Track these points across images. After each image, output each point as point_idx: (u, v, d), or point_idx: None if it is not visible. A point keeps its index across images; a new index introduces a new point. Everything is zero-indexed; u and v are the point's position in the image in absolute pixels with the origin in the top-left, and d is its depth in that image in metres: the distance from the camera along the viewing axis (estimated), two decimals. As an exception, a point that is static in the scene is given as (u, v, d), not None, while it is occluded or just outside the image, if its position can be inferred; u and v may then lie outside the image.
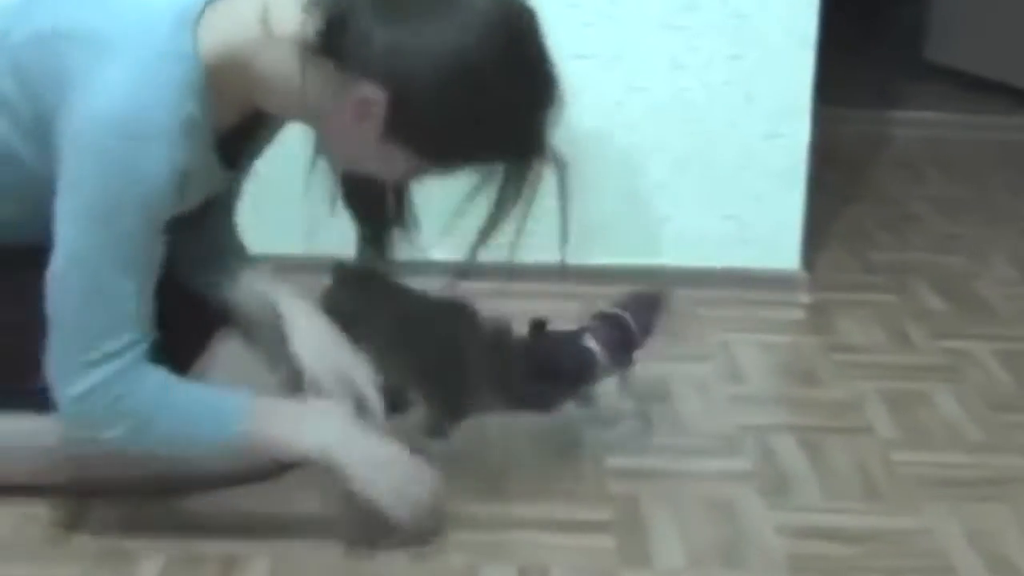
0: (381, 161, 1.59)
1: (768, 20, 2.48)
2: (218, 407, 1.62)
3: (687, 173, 2.57)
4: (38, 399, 1.69)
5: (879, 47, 4.54)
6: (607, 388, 1.96)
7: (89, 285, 1.53)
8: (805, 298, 2.60)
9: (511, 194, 1.68)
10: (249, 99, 1.60)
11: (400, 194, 1.76)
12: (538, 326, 1.92)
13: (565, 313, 2.37)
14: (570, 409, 1.93)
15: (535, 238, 2.63)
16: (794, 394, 2.23)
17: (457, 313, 1.86)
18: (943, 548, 1.74)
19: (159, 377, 1.58)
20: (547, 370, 1.88)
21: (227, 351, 1.84)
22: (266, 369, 1.83)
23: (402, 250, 1.82)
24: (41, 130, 1.56)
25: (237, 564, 1.66)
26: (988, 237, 2.99)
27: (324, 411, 1.69)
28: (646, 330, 1.95)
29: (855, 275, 2.75)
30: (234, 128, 1.63)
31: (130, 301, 1.55)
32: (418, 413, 1.86)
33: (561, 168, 1.69)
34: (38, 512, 1.74)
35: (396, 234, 1.82)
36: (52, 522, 1.73)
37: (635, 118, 2.54)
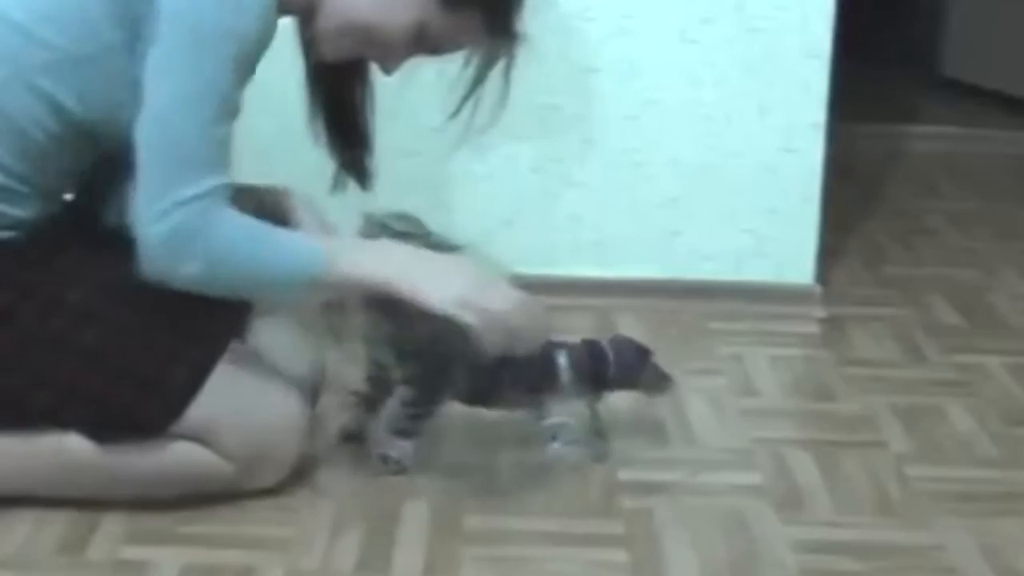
0: (387, 10, 1.68)
1: (783, 35, 2.48)
2: (297, 241, 1.71)
3: (702, 187, 2.57)
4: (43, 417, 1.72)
5: (894, 62, 4.53)
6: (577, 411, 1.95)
7: (176, 133, 1.60)
8: (819, 312, 2.60)
9: (485, 70, 1.77)
10: None
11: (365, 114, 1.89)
12: None
13: (577, 327, 2.38)
14: (518, 416, 1.93)
15: (547, 252, 2.64)
16: (808, 408, 2.23)
17: None
18: (957, 563, 1.73)
19: (238, 216, 1.64)
20: (506, 368, 1.83)
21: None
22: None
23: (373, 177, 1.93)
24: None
25: (251, 575, 1.66)
26: (1002, 251, 2.98)
27: (388, 245, 1.73)
28: (624, 376, 1.93)
29: (869, 289, 2.75)
30: None
31: (214, 147, 1.62)
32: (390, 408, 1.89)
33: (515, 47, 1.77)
34: (52, 523, 1.75)
35: (367, 161, 1.92)
36: (66, 532, 1.73)
37: (650, 132, 2.54)
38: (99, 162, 1.79)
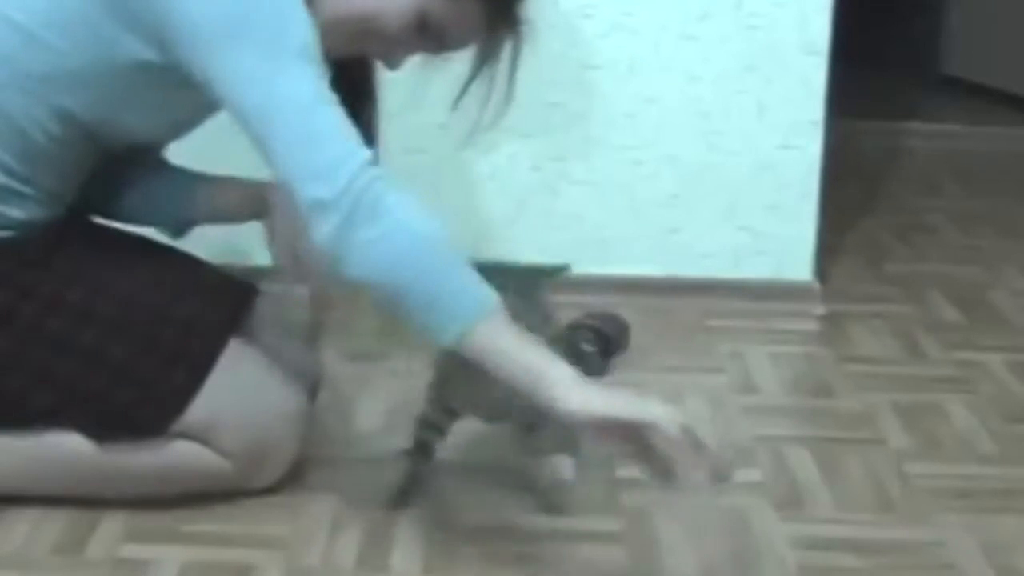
0: (391, 3, 1.66)
1: (782, 31, 2.48)
2: (476, 279, 1.54)
3: (701, 184, 2.57)
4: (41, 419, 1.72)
5: (894, 59, 4.53)
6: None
7: (290, 122, 1.52)
8: (819, 309, 2.60)
9: (491, 65, 1.74)
10: None
11: (364, 114, 1.82)
12: None
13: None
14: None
15: (547, 249, 2.64)
16: (807, 405, 2.23)
17: None
18: (957, 560, 1.73)
19: (406, 196, 1.54)
20: None
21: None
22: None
23: None
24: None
25: (250, 573, 1.66)
26: (1003, 248, 2.98)
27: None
28: (619, 350, 1.95)
29: (869, 286, 2.75)
30: None
31: (337, 120, 1.55)
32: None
33: (520, 38, 1.74)
34: (51, 521, 1.75)
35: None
36: (66, 531, 1.74)
37: (649, 129, 2.54)
38: (104, 163, 1.79)
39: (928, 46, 4.46)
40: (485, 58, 1.74)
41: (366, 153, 1.54)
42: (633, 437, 1.47)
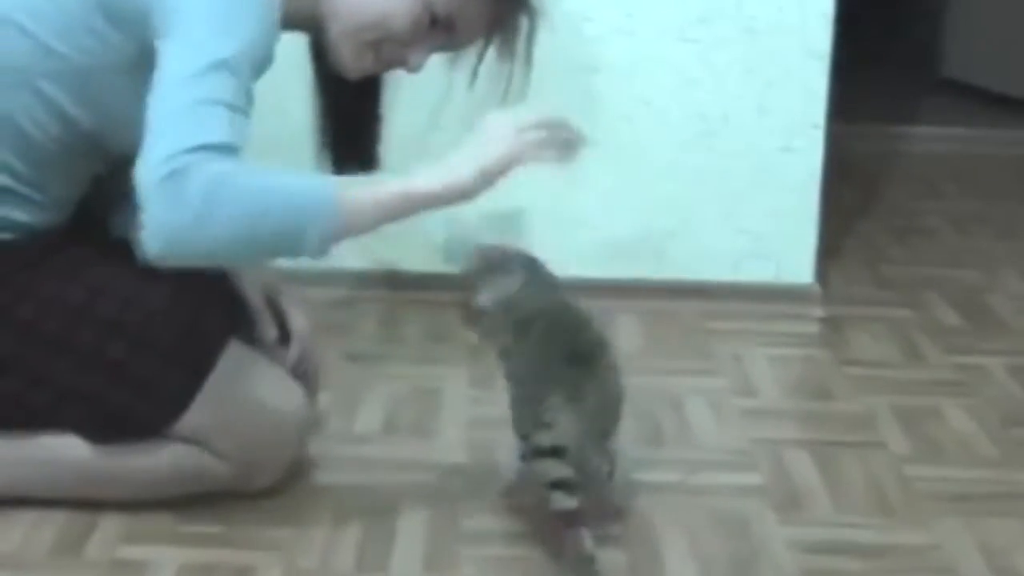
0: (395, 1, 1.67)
1: (782, 35, 2.48)
2: (310, 174, 1.64)
3: (701, 187, 2.57)
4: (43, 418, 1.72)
5: (894, 63, 4.53)
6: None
7: (187, 97, 1.52)
8: (819, 312, 2.60)
9: (508, 54, 1.76)
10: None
11: (372, 134, 1.87)
12: None
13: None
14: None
15: (547, 252, 2.63)
16: (807, 408, 2.23)
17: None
18: (956, 564, 1.73)
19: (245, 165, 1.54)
20: None
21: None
22: None
23: None
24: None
25: (249, 575, 1.66)
26: (1002, 252, 2.98)
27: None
28: None
29: (869, 289, 2.75)
30: None
31: (240, 120, 1.54)
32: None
33: (534, 19, 1.76)
34: (49, 522, 1.75)
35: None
36: (64, 532, 1.73)
37: (649, 132, 2.54)
38: (110, 172, 1.79)
39: (928, 49, 4.46)
40: (501, 42, 1.74)
41: (215, 152, 1.51)
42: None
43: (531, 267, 1.76)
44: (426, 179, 1.60)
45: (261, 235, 1.52)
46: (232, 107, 1.53)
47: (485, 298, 1.69)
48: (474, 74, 1.78)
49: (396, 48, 1.72)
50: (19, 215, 1.70)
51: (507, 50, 1.75)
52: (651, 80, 2.51)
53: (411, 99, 1.89)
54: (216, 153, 1.50)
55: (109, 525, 1.75)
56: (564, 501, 1.61)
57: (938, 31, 4.41)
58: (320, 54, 1.79)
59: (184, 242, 1.50)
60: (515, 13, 1.74)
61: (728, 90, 2.52)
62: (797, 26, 2.48)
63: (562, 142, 1.69)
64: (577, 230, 2.58)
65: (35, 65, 1.64)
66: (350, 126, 1.89)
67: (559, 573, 1.65)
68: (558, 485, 1.61)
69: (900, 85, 4.35)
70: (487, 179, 1.61)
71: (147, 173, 1.49)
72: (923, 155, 3.72)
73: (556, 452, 1.61)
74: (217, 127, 1.52)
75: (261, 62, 1.60)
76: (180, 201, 1.48)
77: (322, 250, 1.54)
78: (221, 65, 1.53)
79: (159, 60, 1.56)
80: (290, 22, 1.71)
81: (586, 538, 1.61)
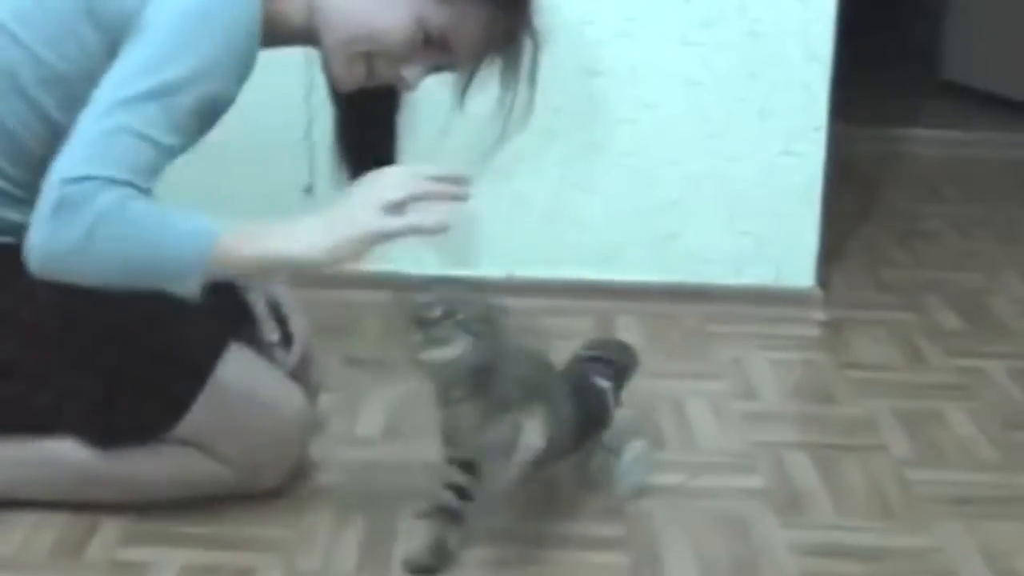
0: (383, 14, 1.65)
1: (784, 38, 2.48)
2: (193, 218, 1.56)
3: (702, 190, 2.57)
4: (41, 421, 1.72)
5: (895, 66, 4.53)
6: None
7: (121, 125, 1.53)
8: (820, 315, 2.60)
9: (512, 73, 1.72)
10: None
11: (390, 142, 1.85)
12: None
13: (579, 330, 2.38)
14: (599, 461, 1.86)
15: (548, 254, 2.64)
16: (808, 411, 2.23)
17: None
18: (957, 567, 1.73)
19: (140, 201, 1.54)
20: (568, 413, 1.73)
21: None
22: None
23: None
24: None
25: (250, 577, 1.66)
26: (1004, 255, 2.98)
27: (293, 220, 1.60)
28: (629, 372, 1.90)
29: (870, 293, 2.75)
30: None
31: (156, 155, 1.55)
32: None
33: (537, 43, 1.73)
34: (50, 524, 1.75)
35: None
36: (65, 534, 1.73)
37: (650, 135, 2.54)
38: None
39: (929, 52, 4.46)
40: (505, 64, 1.72)
41: (130, 179, 1.53)
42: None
43: (474, 330, 1.60)
44: (288, 244, 1.56)
45: (130, 274, 1.55)
46: (150, 141, 1.54)
47: (426, 356, 1.60)
48: (463, 93, 1.75)
49: (389, 64, 1.69)
50: (15, 216, 1.70)
51: (511, 73, 1.72)
52: (653, 83, 2.52)
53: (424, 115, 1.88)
54: (114, 187, 1.52)
55: (110, 527, 1.75)
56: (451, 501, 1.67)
57: (939, 34, 4.41)
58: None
59: (58, 265, 1.54)
60: (515, 33, 1.70)
61: (730, 93, 2.52)
62: (798, 30, 2.48)
63: (449, 199, 1.61)
64: (578, 232, 2.58)
65: (27, 74, 1.65)
66: (366, 142, 1.86)
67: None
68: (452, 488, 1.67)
69: (901, 88, 4.35)
70: (341, 258, 1.55)
71: (47, 190, 1.52)
72: (924, 158, 3.72)
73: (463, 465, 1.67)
74: (125, 161, 1.53)
75: (220, 84, 1.58)
76: (63, 230, 1.51)
77: (189, 293, 1.56)
78: (154, 94, 1.54)
79: (122, 57, 1.58)
80: (285, 37, 1.71)
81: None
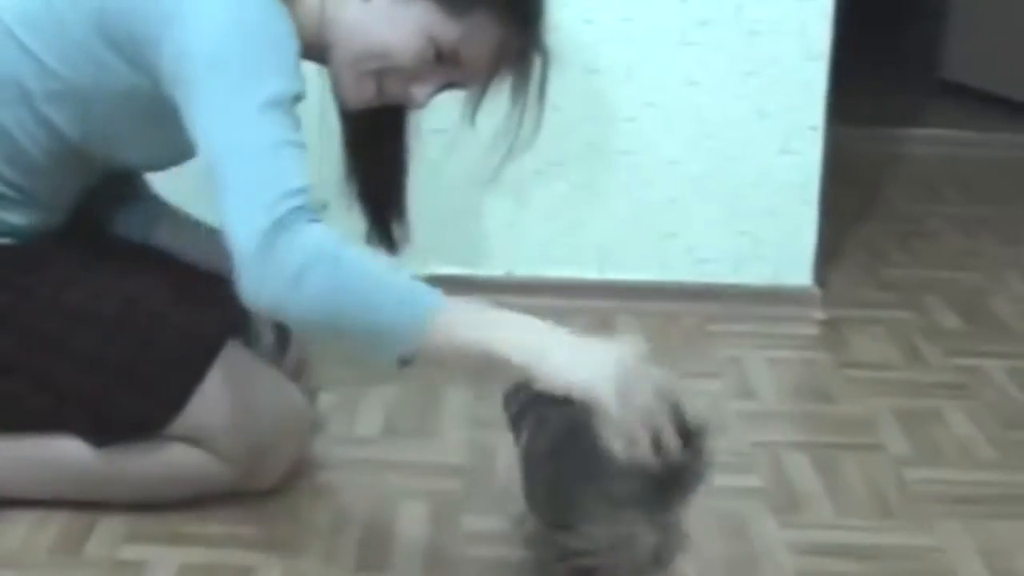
0: (393, 30, 1.62)
1: (782, 37, 2.48)
2: (413, 285, 1.46)
3: (700, 189, 2.57)
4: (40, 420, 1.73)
5: (895, 65, 4.53)
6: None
7: (249, 160, 1.48)
8: (818, 314, 2.60)
9: (521, 90, 1.70)
10: None
11: (399, 177, 1.84)
12: None
13: (575, 329, 2.38)
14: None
15: (547, 254, 2.64)
16: (806, 411, 2.23)
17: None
18: (956, 566, 1.74)
19: (339, 235, 1.48)
20: None
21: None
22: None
23: (405, 243, 1.87)
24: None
25: (249, 575, 1.66)
26: (1003, 254, 2.98)
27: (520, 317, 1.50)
28: None
29: (869, 292, 2.75)
30: None
31: (289, 162, 1.49)
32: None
33: (547, 60, 1.72)
34: (50, 522, 1.75)
35: (399, 227, 1.87)
36: (64, 532, 1.73)
37: (648, 134, 2.54)
38: (107, 177, 1.80)
39: (928, 51, 4.46)
40: (514, 83, 1.69)
41: (304, 199, 1.46)
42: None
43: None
44: (517, 350, 1.44)
45: (338, 328, 1.46)
46: (297, 144, 1.50)
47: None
48: (474, 109, 1.74)
49: (400, 82, 1.67)
50: (14, 218, 1.71)
51: (521, 89, 1.70)
52: (651, 82, 2.52)
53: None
54: (303, 199, 1.46)
55: (110, 525, 1.75)
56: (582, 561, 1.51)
57: (939, 33, 4.41)
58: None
59: (278, 300, 1.45)
60: (526, 50, 1.68)
61: (728, 92, 2.52)
62: (796, 29, 2.48)
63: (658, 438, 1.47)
64: (577, 231, 2.58)
65: (34, 84, 1.64)
66: (375, 175, 1.86)
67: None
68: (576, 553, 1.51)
69: (900, 87, 4.36)
70: (562, 386, 1.44)
71: (244, 231, 1.44)
72: (923, 158, 3.72)
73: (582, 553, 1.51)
74: (294, 169, 1.48)
75: (298, 91, 1.55)
76: (279, 260, 1.43)
77: (393, 360, 1.46)
78: (270, 103, 1.49)
79: (192, 110, 1.51)
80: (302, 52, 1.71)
81: None
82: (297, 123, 1.53)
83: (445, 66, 1.66)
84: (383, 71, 1.66)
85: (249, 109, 1.49)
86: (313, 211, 1.47)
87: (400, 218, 1.89)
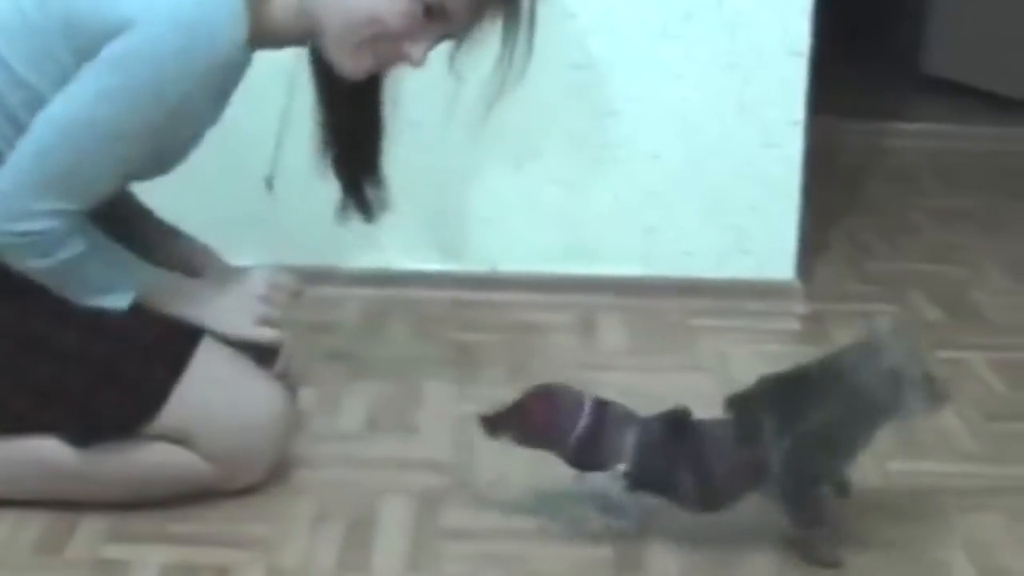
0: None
1: (763, 31, 2.48)
2: (126, 272, 1.74)
3: (683, 183, 2.57)
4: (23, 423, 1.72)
5: (877, 59, 4.54)
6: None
7: (79, 152, 1.63)
8: (801, 308, 2.60)
9: (512, 28, 1.73)
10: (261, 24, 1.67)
11: (376, 139, 1.89)
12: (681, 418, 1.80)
13: (559, 324, 2.38)
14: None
15: (529, 249, 2.64)
16: (790, 404, 2.22)
17: None
18: (940, 558, 1.74)
19: (94, 235, 1.70)
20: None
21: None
22: None
23: (383, 210, 1.94)
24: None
25: (231, 574, 1.65)
26: (985, 247, 2.99)
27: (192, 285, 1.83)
28: None
29: (851, 285, 2.75)
30: None
31: (100, 181, 1.68)
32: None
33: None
34: (31, 522, 1.74)
35: (376, 193, 1.91)
36: (45, 532, 1.73)
37: (631, 128, 2.54)
38: None
39: (910, 45, 4.46)
40: (505, 24, 1.72)
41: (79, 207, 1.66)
42: None
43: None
44: (199, 313, 1.78)
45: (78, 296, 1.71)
46: (106, 177, 1.66)
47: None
48: (455, 55, 1.75)
49: (393, 44, 1.69)
50: None
51: (512, 26, 1.72)
52: (634, 76, 2.51)
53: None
54: (71, 221, 1.65)
55: (92, 525, 1.74)
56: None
57: (921, 28, 4.42)
58: (320, 68, 1.79)
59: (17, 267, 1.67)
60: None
61: (709, 86, 2.52)
62: (778, 23, 2.48)
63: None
64: (560, 226, 2.58)
65: (12, 96, 1.65)
66: (351, 139, 1.87)
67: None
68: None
69: (883, 81, 4.36)
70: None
71: (10, 220, 1.64)
72: (905, 151, 3.73)
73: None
74: (83, 190, 1.65)
75: (176, 105, 1.63)
76: (31, 257, 1.66)
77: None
78: (95, 122, 1.61)
79: (80, 78, 1.61)
80: (280, 39, 1.71)
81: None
82: (121, 153, 1.66)
83: (435, 20, 1.68)
84: (376, 37, 1.68)
85: (80, 115, 1.62)
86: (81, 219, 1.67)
87: (376, 184, 1.90)
